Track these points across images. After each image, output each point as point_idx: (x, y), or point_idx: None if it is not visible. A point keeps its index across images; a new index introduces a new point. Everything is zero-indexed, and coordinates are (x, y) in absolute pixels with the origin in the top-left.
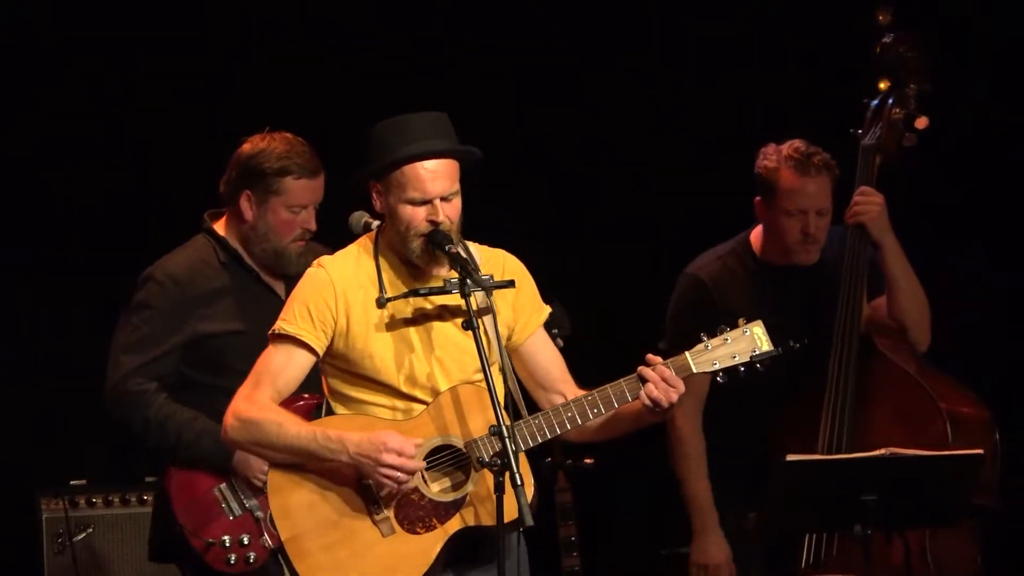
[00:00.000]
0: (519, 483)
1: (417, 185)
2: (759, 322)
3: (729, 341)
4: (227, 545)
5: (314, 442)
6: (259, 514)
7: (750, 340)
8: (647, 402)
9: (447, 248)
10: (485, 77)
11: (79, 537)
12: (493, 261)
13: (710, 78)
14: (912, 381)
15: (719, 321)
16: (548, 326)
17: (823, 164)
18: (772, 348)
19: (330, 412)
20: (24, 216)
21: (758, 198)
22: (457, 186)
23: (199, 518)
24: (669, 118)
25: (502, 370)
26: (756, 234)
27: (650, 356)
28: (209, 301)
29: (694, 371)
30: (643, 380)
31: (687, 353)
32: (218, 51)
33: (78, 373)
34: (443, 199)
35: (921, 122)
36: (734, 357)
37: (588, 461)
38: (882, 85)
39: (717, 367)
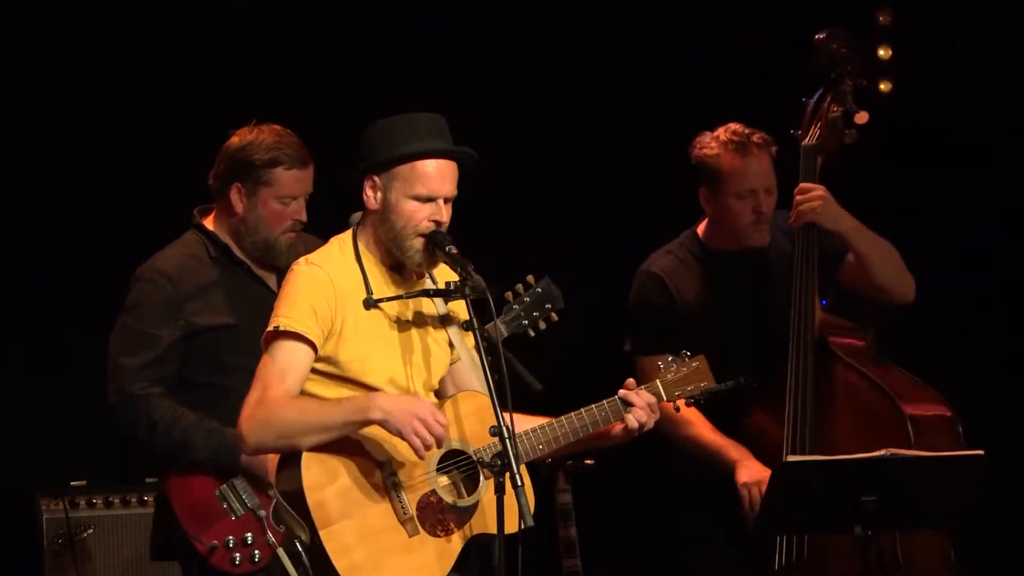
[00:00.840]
0: (519, 484)
1: (426, 182)
2: (702, 356)
3: (683, 372)
4: (231, 546)
5: (340, 407)
6: (261, 512)
7: (697, 373)
8: (633, 425)
9: (447, 249)
10: (474, 77)
11: (79, 538)
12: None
13: (704, 80)
14: (871, 383)
15: (680, 315)
16: (541, 301)
17: (763, 142)
18: (715, 385)
19: None
20: (21, 216)
21: (703, 188)
22: (456, 190)
23: (201, 521)
24: (674, 118)
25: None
26: (702, 227)
27: (629, 381)
28: (201, 295)
29: (664, 399)
30: (628, 404)
31: (657, 381)
32: (206, 48)
33: (78, 374)
34: (444, 201)
35: (861, 117)
36: (687, 389)
37: (588, 462)
38: (883, 86)
39: (676, 396)
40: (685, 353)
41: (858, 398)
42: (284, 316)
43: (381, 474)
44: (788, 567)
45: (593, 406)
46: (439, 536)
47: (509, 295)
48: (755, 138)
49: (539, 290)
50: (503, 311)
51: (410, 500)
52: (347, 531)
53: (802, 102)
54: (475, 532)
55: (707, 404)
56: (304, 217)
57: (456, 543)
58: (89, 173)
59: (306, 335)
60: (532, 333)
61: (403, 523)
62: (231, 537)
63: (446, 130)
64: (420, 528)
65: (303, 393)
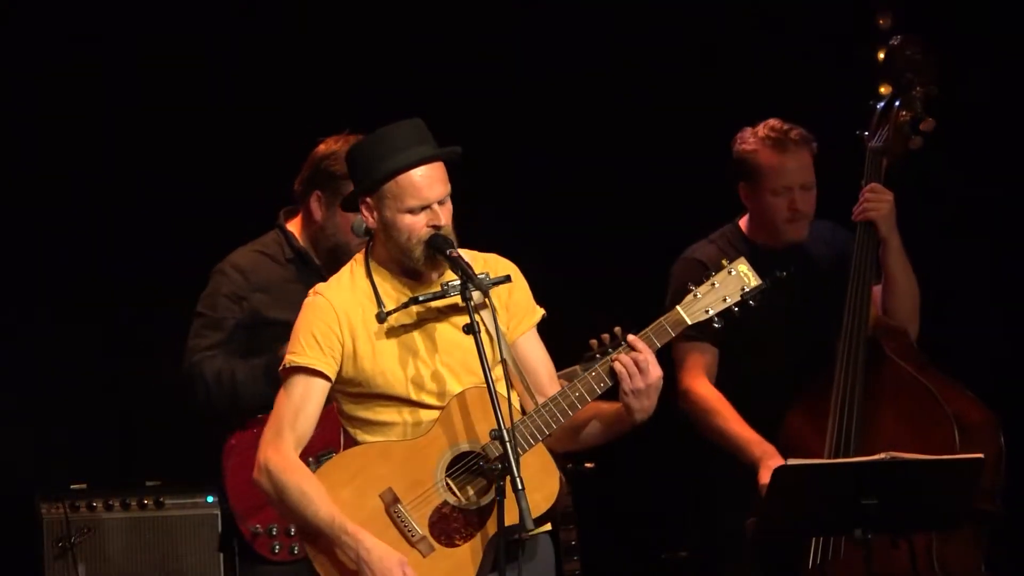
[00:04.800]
0: (520, 487)
1: (415, 193)
2: (742, 259)
3: (717, 285)
4: (273, 534)
5: (330, 528)
6: None
7: (737, 279)
8: (619, 369)
9: (448, 252)
10: (476, 78)
11: (80, 541)
12: (485, 265)
13: (706, 80)
14: (920, 386)
15: None
16: None
17: (801, 139)
18: (760, 281)
19: (346, 434)
20: (21, 218)
21: (741, 183)
22: (449, 187)
23: (249, 503)
24: (664, 118)
25: (505, 367)
26: (744, 221)
27: (630, 337)
28: (270, 289)
29: (688, 322)
30: (631, 347)
31: (678, 307)
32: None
33: (79, 376)
34: (439, 203)
35: (927, 125)
36: (725, 299)
37: (589, 465)
38: (883, 89)
39: (711, 313)
40: (724, 260)
41: (906, 399)
42: (291, 353)
43: (382, 504)
44: (822, 567)
45: (588, 372)
46: (458, 545)
47: (594, 343)
48: (793, 134)
49: (624, 343)
50: (583, 359)
51: (418, 519)
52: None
53: (870, 104)
54: (498, 529)
55: (746, 400)
56: None
57: (477, 547)
58: (94, 176)
59: (312, 367)
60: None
61: (415, 545)
62: (275, 525)
63: (423, 133)
64: (435, 544)
65: (344, 414)
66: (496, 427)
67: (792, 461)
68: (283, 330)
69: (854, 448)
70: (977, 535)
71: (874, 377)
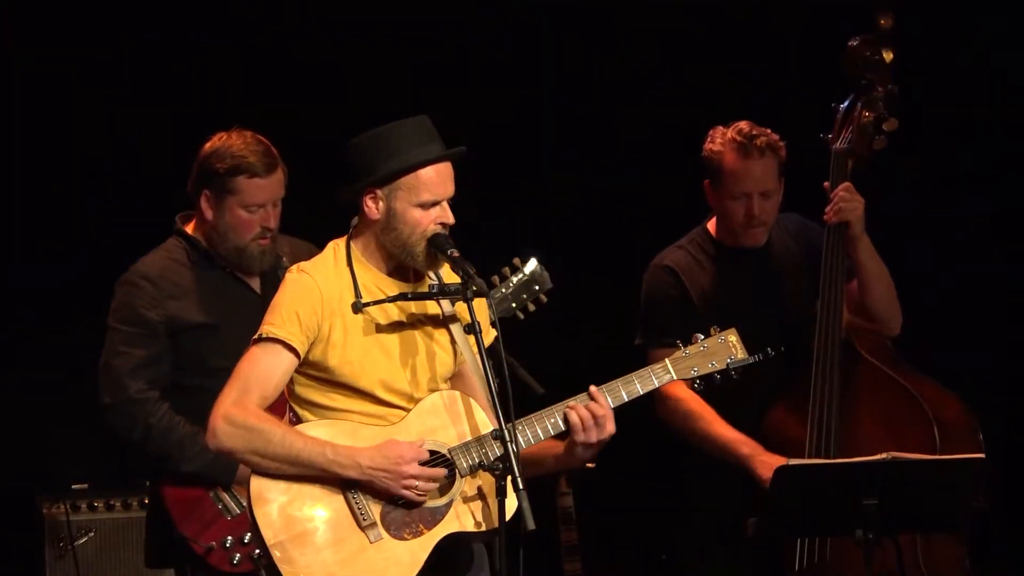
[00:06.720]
0: (521, 487)
1: (431, 188)
2: (733, 330)
3: (705, 348)
4: (228, 546)
5: (323, 457)
6: None
7: (725, 348)
8: (574, 419)
9: (449, 252)
10: (466, 77)
11: (80, 541)
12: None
13: (713, 78)
14: (898, 386)
15: (693, 307)
16: (529, 283)
17: (766, 146)
18: (748, 356)
19: (296, 420)
20: (20, 220)
21: (707, 181)
22: (454, 189)
23: (198, 524)
24: (653, 117)
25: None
26: (712, 222)
27: (592, 389)
28: (182, 295)
29: (675, 377)
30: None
31: (667, 360)
32: (195, 49)
33: (80, 377)
34: (448, 202)
35: (890, 124)
36: (711, 364)
37: (590, 466)
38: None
39: (695, 373)
40: (714, 328)
41: (884, 400)
42: (268, 323)
43: (339, 482)
44: (809, 569)
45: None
46: (406, 539)
47: (496, 279)
48: (759, 141)
49: (526, 272)
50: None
51: (373, 505)
52: (297, 542)
53: (832, 107)
54: (448, 532)
55: (726, 399)
56: (272, 224)
57: (425, 546)
58: (88, 179)
59: (288, 341)
60: (521, 316)
61: (364, 529)
62: (229, 537)
63: (434, 130)
64: (384, 533)
65: (300, 398)
66: (496, 428)
67: (793, 461)
68: (204, 333)
69: (834, 449)
70: (961, 532)
71: (850, 379)
